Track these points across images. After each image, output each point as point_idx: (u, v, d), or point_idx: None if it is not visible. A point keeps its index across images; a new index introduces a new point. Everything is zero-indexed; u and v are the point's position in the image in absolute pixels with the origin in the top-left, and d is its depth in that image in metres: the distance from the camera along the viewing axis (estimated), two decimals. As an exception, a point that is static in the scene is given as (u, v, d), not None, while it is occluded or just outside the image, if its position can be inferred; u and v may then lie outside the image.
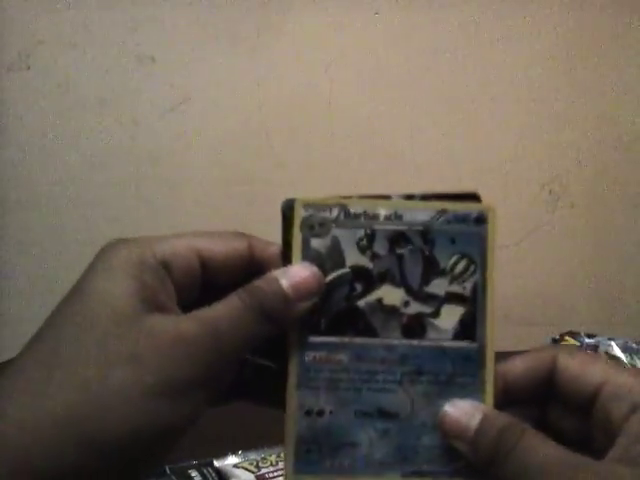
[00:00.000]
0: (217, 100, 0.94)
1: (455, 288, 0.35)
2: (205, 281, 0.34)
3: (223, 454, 0.63)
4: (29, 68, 0.90)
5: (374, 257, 0.34)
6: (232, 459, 0.63)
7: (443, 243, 0.35)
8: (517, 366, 0.35)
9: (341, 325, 0.34)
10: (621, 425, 0.31)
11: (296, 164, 0.96)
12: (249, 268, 0.34)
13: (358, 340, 0.34)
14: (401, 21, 0.95)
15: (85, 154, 0.93)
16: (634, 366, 0.74)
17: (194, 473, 0.62)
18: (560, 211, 1.02)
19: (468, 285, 0.35)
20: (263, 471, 0.61)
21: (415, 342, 0.34)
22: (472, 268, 0.35)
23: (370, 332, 0.34)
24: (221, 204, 0.95)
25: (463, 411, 0.32)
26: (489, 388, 0.34)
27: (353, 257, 0.34)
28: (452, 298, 0.35)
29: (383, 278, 0.34)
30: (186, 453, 0.64)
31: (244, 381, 0.35)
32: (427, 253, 0.34)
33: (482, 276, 0.35)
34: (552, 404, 0.34)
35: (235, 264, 0.34)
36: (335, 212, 0.34)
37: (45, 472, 0.27)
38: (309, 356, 0.34)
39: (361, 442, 0.34)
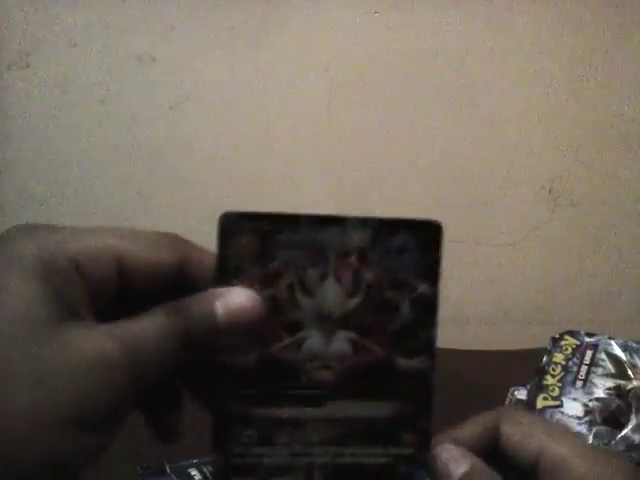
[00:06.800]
0: (217, 99, 0.94)
1: None
2: (123, 286, 0.29)
3: (223, 453, 0.63)
4: (29, 67, 0.90)
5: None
6: (232, 458, 0.63)
7: None
8: (465, 432, 0.33)
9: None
10: None
11: (296, 163, 0.96)
12: (178, 278, 0.30)
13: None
14: (401, 20, 0.95)
15: (85, 153, 0.92)
16: (634, 365, 0.74)
17: (194, 472, 0.62)
18: (560, 210, 1.02)
19: None
20: (263, 470, 0.61)
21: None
22: None
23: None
24: (221, 203, 0.95)
25: (452, 456, 0.32)
26: None
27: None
28: None
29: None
30: (186, 452, 0.64)
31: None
32: None
33: None
34: (503, 471, 0.34)
35: (161, 275, 0.29)
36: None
37: None
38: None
39: None
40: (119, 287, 0.29)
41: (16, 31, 0.89)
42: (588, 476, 0.30)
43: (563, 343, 0.77)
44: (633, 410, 0.68)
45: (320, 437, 0.30)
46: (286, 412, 0.30)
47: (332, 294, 0.30)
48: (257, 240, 0.30)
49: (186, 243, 0.30)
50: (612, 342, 0.76)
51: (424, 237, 0.30)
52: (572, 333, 0.79)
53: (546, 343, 0.78)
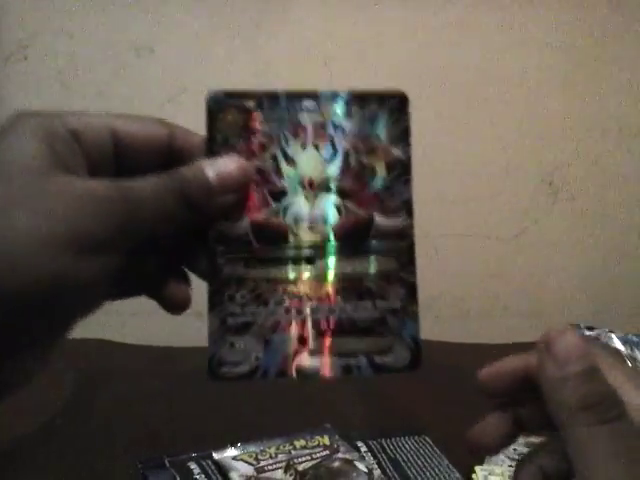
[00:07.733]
0: (216, 92, 0.94)
1: None
2: (120, 164, 0.32)
3: (222, 446, 0.63)
4: (26, 59, 0.90)
5: None
6: (231, 451, 0.63)
7: None
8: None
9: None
10: None
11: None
12: (169, 156, 0.33)
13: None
14: (401, 13, 0.95)
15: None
16: (634, 359, 0.74)
17: (193, 465, 0.62)
18: (560, 204, 1.02)
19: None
20: (262, 463, 0.61)
21: None
22: None
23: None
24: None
25: (573, 345, 0.30)
26: None
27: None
28: None
29: None
30: (185, 446, 0.64)
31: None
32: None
33: None
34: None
35: (152, 149, 0.32)
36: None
37: None
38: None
39: None
40: (119, 168, 0.32)
41: (14, 23, 0.89)
42: None
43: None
44: (633, 404, 0.68)
45: (311, 294, 0.32)
46: (277, 272, 0.32)
47: (312, 161, 0.33)
48: (241, 115, 0.34)
49: (172, 124, 0.34)
50: (612, 335, 0.76)
51: (393, 106, 0.35)
52: (572, 327, 0.79)
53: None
